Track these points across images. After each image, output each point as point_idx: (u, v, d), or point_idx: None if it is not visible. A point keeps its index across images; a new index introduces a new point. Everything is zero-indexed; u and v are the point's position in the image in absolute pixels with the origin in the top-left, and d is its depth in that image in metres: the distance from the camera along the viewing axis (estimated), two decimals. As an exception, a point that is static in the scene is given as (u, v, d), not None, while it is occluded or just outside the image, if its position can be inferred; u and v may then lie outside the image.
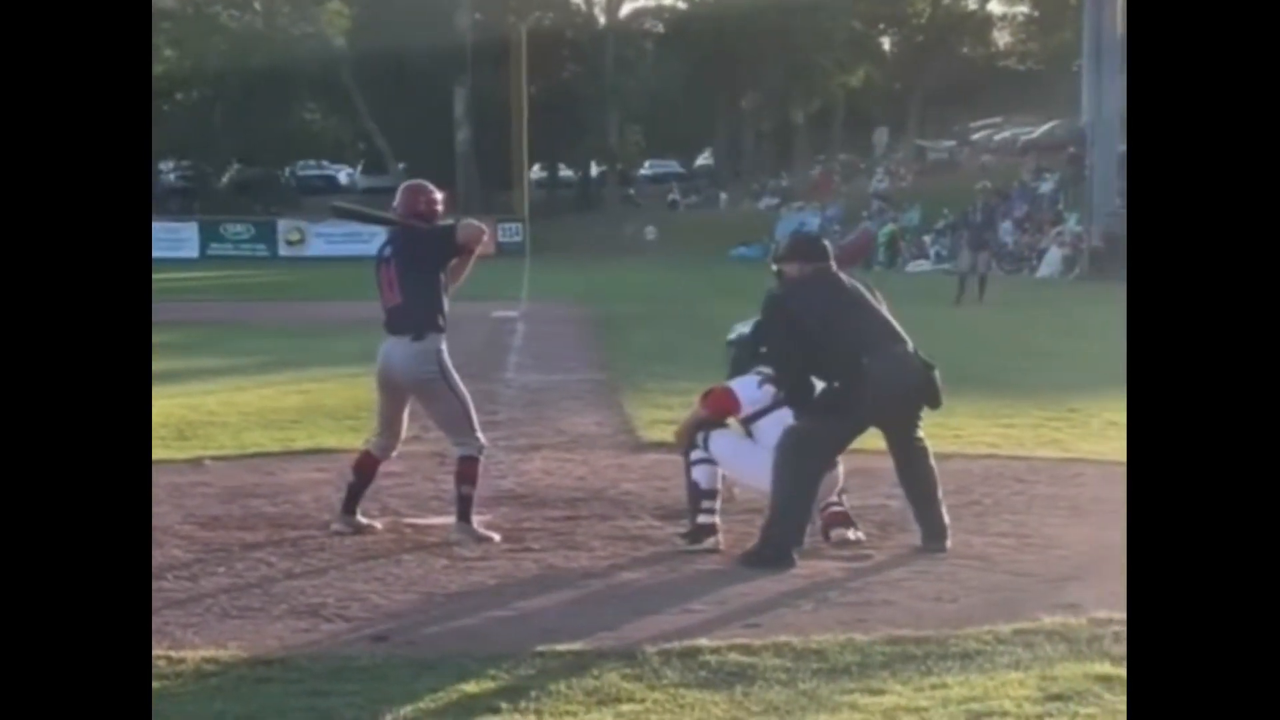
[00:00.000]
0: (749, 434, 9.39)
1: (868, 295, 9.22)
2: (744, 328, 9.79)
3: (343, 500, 9.82)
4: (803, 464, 8.78)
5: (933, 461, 9.19)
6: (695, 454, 9.33)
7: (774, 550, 8.60)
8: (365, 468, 9.86)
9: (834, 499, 9.35)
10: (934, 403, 9.09)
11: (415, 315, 9.52)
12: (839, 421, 8.89)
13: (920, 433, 9.18)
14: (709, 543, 9.10)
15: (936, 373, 9.02)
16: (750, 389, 9.42)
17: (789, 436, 8.88)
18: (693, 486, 9.29)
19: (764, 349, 9.34)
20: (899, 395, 8.95)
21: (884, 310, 9.21)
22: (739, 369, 9.65)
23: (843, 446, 9.06)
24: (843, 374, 8.83)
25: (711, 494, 9.25)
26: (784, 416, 9.15)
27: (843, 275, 9.34)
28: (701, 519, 9.20)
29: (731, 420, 9.51)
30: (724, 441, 9.34)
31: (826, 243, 9.96)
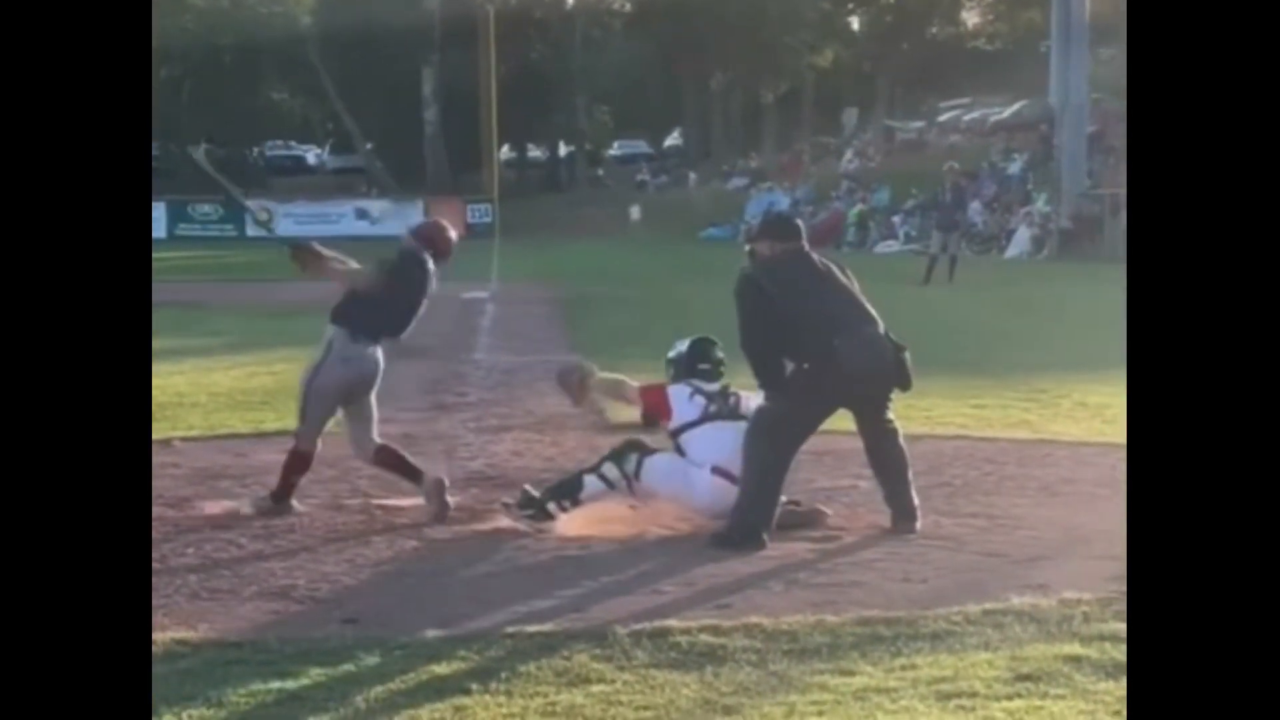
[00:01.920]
0: (678, 448, 9.39)
1: (839, 275, 9.22)
2: (683, 346, 9.77)
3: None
4: (774, 446, 8.79)
5: (903, 443, 9.20)
6: (607, 467, 9.37)
7: (744, 532, 8.61)
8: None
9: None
10: (904, 384, 9.09)
11: None
12: (809, 403, 8.90)
13: (890, 414, 9.19)
14: (542, 526, 9.14)
15: (907, 354, 9.02)
16: (682, 400, 9.42)
17: (760, 418, 8.88)
18: (574, 478, 9.40)
19: (739, 330, 9.22)
20: (869, 377, 8.95)
21: (855, 290, 9.21)
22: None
23: (813, 428, 9.07)
24: (813, 355, 8.84)
25: (578, 502, 9.28)
26: (714, 433, 9.20)
27: (815, 255, 9.33)
28: (552, 508, 9.25)
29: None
30: (660, 465, 9.34)
31: (799, 222, 9.95)
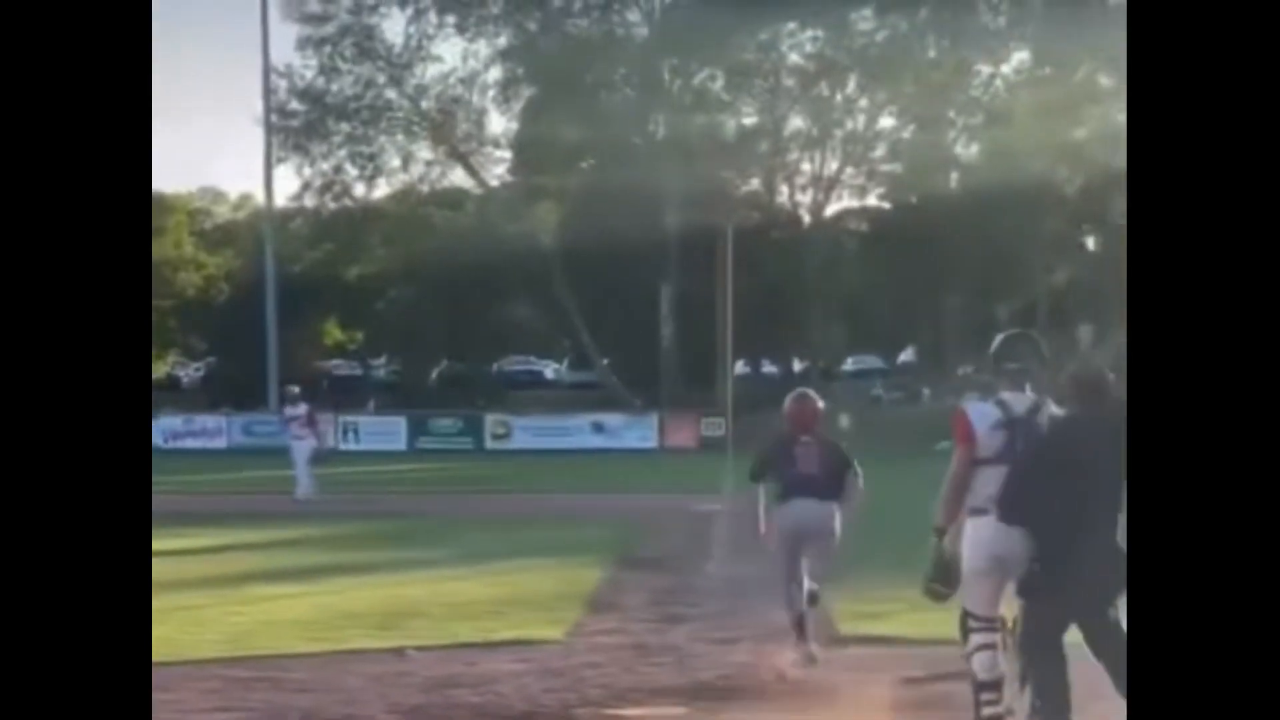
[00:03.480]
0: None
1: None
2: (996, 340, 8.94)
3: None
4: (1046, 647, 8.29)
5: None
6: (974, 639, 8.57)
7: None
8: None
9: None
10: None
11: None
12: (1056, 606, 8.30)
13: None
14: None
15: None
16: (985, 425, 8.51)
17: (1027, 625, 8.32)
18: (972, 678, 8.58)
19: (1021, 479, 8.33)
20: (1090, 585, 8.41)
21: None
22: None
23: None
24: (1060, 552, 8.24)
25: (992, 685, 8.50)
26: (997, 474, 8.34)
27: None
28: (986, 711, 8.52)
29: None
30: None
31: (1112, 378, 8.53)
